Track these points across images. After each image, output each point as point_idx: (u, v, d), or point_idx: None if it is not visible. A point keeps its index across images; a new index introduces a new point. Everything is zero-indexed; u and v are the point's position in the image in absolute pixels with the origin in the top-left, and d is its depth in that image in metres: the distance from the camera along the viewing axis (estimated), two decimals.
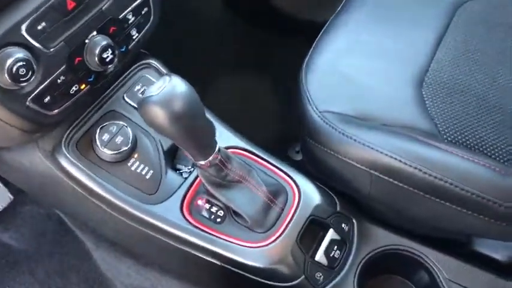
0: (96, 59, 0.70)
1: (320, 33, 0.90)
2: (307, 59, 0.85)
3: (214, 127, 0.66)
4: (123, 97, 0.83)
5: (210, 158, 0.66)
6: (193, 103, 0.61)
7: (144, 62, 0.86)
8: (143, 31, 0.78)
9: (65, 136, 0.77)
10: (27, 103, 0.65)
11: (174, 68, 0.89)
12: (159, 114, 0.58)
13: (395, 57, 0.86)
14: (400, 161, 0.66)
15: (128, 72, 0.84)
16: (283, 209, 0.73)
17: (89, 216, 0.86)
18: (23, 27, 0.60)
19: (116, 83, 0.82)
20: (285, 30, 1.40)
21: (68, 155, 0.76)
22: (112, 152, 0.77)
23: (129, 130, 0.78)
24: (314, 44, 0.88)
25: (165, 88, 0.59)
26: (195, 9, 1.36)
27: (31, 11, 0.61)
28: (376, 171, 0.67)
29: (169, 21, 0.95)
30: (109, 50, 0.71)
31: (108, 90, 0.81)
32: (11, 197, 1.15)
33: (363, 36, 0.89)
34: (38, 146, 0.77)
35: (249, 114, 1.29)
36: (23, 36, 0.61)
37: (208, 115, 0.86)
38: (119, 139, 0.78)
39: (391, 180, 0.67)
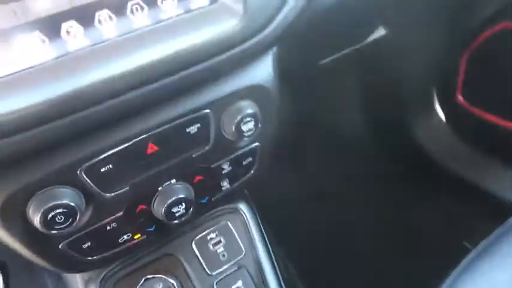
0: (163, 211, 0.55)
1: (471, 253, 0.64)
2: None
3: None
4: (191, 243, 0.67)
5: None
6: None
7: (231, 206, 0.70)
8: (237, 183, 0.62)
9: (105, 272, 0.63)
10: (60, 246, 0.52)
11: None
12: None
13: None
14: None
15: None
16: None
17: None
18: (83, 168, 0.48)
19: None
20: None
21: None
22: None
23: None
24: (460, 265, 0.62)
25: None
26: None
27: (98, 150, 0.48)
28: None
29: None
30: (182, 204, 0.56)
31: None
32: None
33: None
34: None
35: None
36: (79, 177, 0.48)
37: None
38: None
39: None
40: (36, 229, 0.47)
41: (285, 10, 0.49)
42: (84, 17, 0.41)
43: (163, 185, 0.55)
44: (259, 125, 0.55)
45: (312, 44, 0.72)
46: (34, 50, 0.40)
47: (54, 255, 0.52)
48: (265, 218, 0.77)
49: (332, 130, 1.15)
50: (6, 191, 0.44)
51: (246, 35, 0.47)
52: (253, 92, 0.55)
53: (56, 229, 0.47)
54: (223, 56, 0.47)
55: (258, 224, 0.71)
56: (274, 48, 0.56)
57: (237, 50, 0.48)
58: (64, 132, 0.43)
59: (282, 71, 0.59)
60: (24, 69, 0.40)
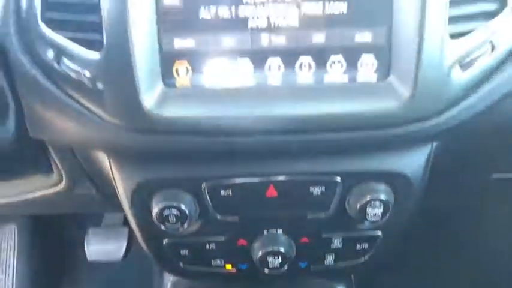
0: (259, 255, 0.55)
1: None
2: None
3: None
4: None
5: None
6: None
7: (328, 283, 0.66)
8: (343, 263, 0.59)
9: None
10: (164, 242, 0.57)
11: None
12: None
13: None
14: None
15: None
16: None
17: None
18: (208, 184, 0.51)
19: None
20: None
21: None
22: None
23: None
24: None
25: None
26: None
27: (226, 175, 0.51)
28: None
29: None
30: (279, 257, 0.55)
31: None
32: None
33: None
34: None
35: None
36: (202, 191, 0.52)
37: None
38: None
39: None
40: (152, 220, 0.53)
41: (456, 109, 0.46)
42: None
43: (269, 230, 0.55)
44: (388, 215, 0.51)
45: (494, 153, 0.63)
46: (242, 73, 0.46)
47: (158, 249, 0.57)
48: None
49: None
50: (144, 178, 0.51)
51: (405, 120, 0.46)
52: (394, 180, 0.52)
53: (166, 226, 0.52)
54: (375, 133, 0.46)
55: None
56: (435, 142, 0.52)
57: (391, 131, 0.46)
58: (218, 149, 0.47)
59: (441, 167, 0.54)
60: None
